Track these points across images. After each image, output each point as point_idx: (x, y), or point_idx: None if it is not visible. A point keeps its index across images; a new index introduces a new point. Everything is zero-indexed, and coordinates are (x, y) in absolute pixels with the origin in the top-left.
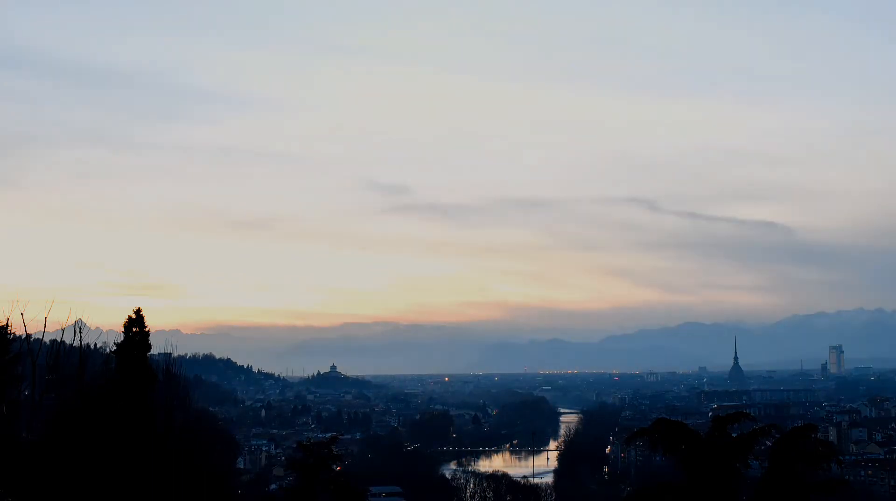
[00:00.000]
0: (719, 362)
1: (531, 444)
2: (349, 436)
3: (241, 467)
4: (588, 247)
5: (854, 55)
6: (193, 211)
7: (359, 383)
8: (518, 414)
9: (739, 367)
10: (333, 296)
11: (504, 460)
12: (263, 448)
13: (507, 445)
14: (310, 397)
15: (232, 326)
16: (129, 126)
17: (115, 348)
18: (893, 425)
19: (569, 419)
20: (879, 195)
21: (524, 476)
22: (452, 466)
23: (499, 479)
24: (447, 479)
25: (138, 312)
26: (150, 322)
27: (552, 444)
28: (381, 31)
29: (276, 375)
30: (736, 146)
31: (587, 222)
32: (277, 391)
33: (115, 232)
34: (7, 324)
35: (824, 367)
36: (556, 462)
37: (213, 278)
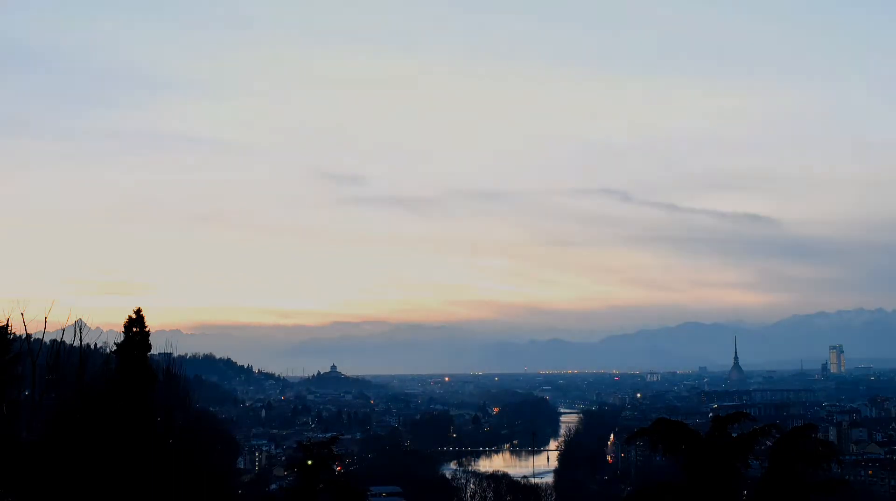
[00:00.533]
0: (719, 362)
1: (531, 444)
2: (349, 436)
3: (241, 467)
4: (566, 242)
5: (828, 36)
6: (149, 204)
7: (359, 383)
8: (518, 414)
9: (739, 367)
10: (333, 295)
11: (504, 460)
12: (263, 448)
13: (507, 445)
14: (310, 397)
15: (216, 325)
16: (67, 112)
17: (115, 348)
18: (893, 425)
19: (569, 419)
20: (862, 184)
21: (524, 476)
22: (452, 466)
23: (499, 479)
24: (447, 479)
25: (138, 312)
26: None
27: (552, 444)
28: (345, 16)
29: (276, 375)
30: (703, 132)
31: (560, 215)
32: (277, 391)
33: (61, 227)
34: (7, 324)
35: (824, 367)
36: (556, 462)
37: (186, 276)
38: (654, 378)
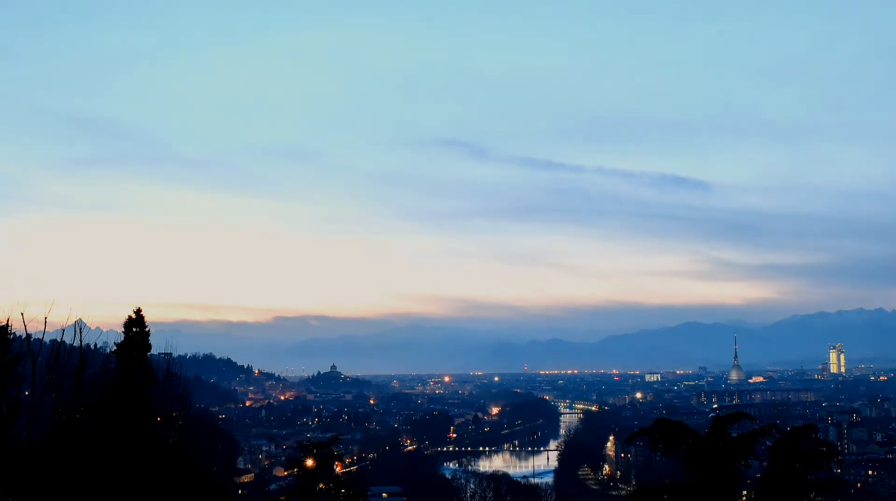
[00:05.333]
0: (719, 362)
1: (531, 444)
2: (349, 436)
3: (241, 467)
4: (420, 214)
5: None
6: None
7: (359, 383)
8: (518, 414)
9: (739, 367)
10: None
11: (504, 460)
12: (263, 448)
13: (507, 445)
14: (310, 397)
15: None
16: None
17: (115, 348)
18: (893, 425)
19: (569, 420)
20: (806, 132)
21: (524, 476)
22: (452, 466)
23: (499, 479)
24: (447, 479)
25: (138, 312)
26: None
27: (552, 444)
28: None
29: (276, 375)
30: (570, 69)
31: (406, 177)
32: (277, 390)
33: None
34: (7, 324)
35: (824, 367)
36: (556, 462)
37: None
38: (654, 378)
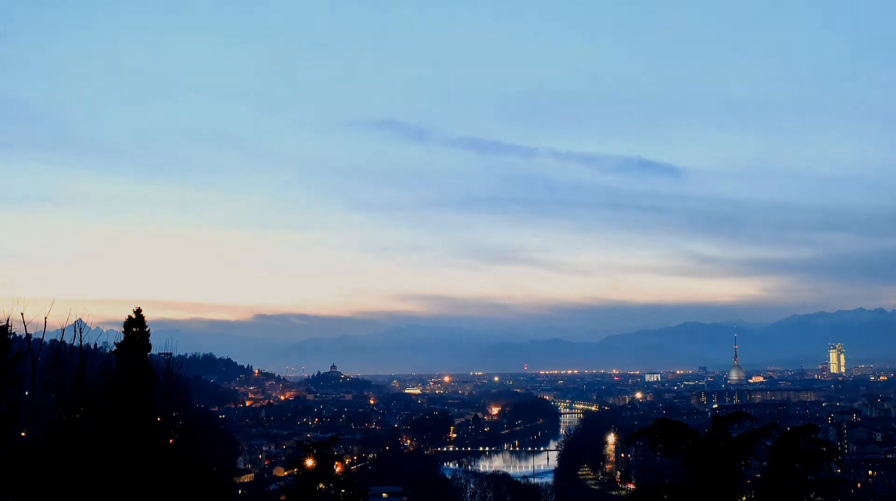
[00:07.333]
0: (719, 362)
1: (531, 444)
2: (349, 436)
3: (241, 467)
4: (368, 205)
5: None
6: None
7: (359, 383)
8: (518, 414)
9: (739, 367)
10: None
11: (504, 460)
12: (263, 448)
13: (507, 445)
14: (310, 397)
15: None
16: None
17: (115, 348)
18: (893, 425)
19: (569, 420)
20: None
21: (524, 476)
22: (452, 466)
23: (499, 479)
24: (447, 479)
25: (138, 312)
26: None
27: (552, 444)
28: None
29: (276, 375)
30: (513, 43)
31: (344, 163)
32: (277, 390)
33: None
34: (7, 324)
35: (824, 367)
36: (556, 462)
37: None
38: (654, 378)
